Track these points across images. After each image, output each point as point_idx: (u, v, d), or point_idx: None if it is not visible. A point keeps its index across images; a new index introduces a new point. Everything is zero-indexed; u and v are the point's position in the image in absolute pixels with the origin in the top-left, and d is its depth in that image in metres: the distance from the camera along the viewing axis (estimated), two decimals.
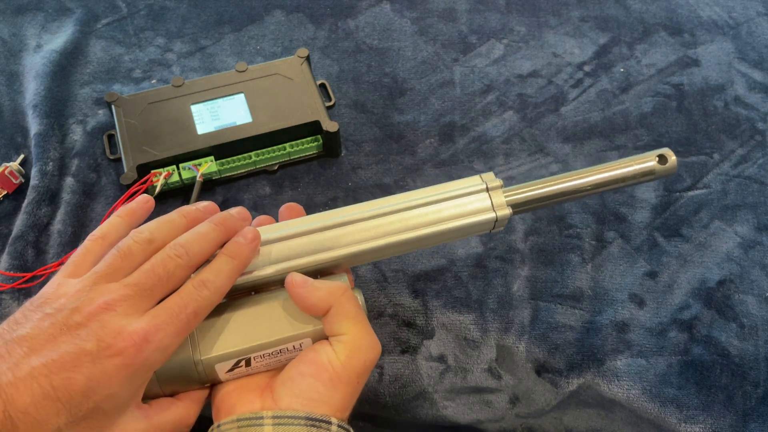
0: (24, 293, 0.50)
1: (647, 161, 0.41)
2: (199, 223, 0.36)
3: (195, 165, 0.55)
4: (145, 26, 0.70)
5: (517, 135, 0.60)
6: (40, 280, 0.50)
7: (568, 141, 0.60)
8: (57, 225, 0.53)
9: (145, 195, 0.39)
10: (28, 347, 0.29)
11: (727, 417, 0.46)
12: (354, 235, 0.38)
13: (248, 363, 0.36)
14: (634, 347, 0.48)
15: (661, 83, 0.65)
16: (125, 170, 0.53)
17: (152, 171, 0.54)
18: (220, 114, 0.57)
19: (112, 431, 0.31)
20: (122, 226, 0.36)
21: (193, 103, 0.57)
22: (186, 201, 0.55)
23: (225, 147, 0.55)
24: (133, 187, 0.53)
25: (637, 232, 0.54)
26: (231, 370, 0.36)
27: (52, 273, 0.51)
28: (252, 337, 0.36)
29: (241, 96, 0.58)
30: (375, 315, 0.50)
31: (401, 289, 0.51)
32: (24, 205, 0.54)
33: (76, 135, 0.59)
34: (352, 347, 0.35)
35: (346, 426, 0.34)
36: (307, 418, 0.33)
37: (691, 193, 0.57)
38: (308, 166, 0.58)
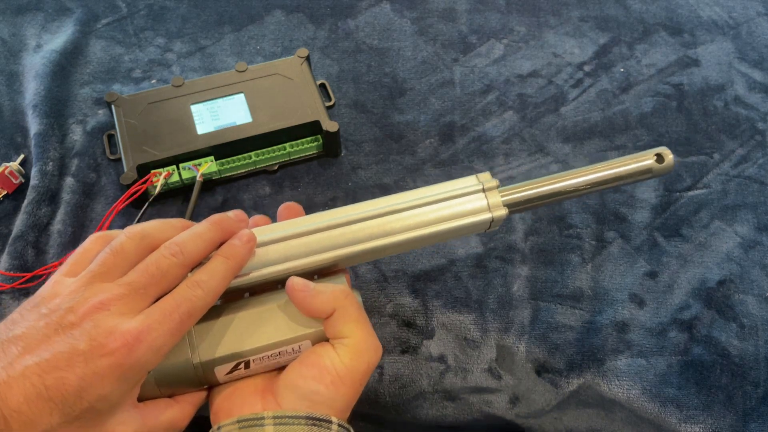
0: (24, 293, 0.50)
1: (645, 160, 0.41)
2: None
3: (195, 165, 0.55)
4: (145, 26, 0.70)
5: (517, 135, 0.60)
6: (40, 280, 0.50)
7: (568, 141, 0.60)
8: (57, 225, 0.53)
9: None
10: (22, 347, 0.29)
11: (727, 417, 0.46)
12: (351, 236, 0.38)
13: (247, 365, 0.36)
14: (634, 347, 0.48)
15: (661, 83, 0.65)
16: (125, 170, 0.53)
17: (152, 171, 0.54)
18: (220, 114, 0.57)
19: (106, 430, 0.31)
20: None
21: (193, 103, 0.57)
22: (186, 201, 0.55)
23: (225, 147, 0.55)
24: (133, 187, 0.53)
25: (637, 232, 0.54)
26: (230, 372, 0.36)
27: (52, 273, 0.51)
28: (251, 339, 0.36)
29: (241, 96, 0.58)
30: (375, 315, 0.50)
31: (401, 289, 0.51)
32: (24, 205, 0.54)
33: (76, 135, 0.59)
34: (355, 350, 0.35)
35: (347, 426, 0.34)
36: (308, 418, 0.33)
37: (691, 193, 0.57)
38: (308, 166, 0.58)
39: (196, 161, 0.55)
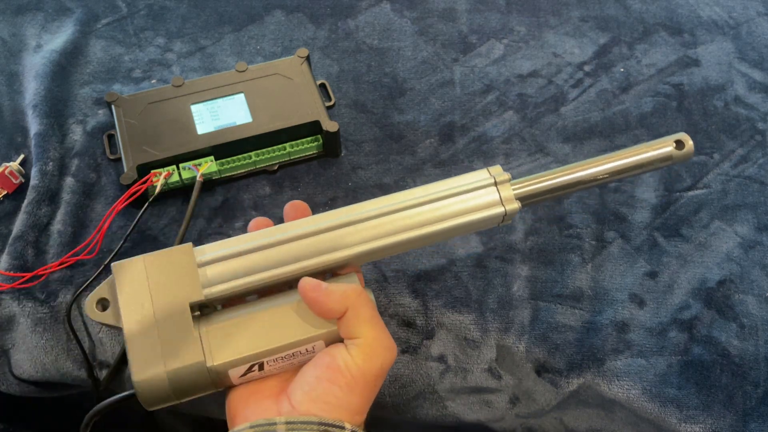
0: (24, 293, 0.50)
1: (664, 147, 0.40)
2: None
3: (195, 165, 0.55)
4: (145, 26, 0.70)
5: (517, 135, 0.60)
6: (40, 280, 0.50)
7: (568, 141, 0.60)
8: (57, 225, 0.53)
9: None
10: None
11: (727, 417, 0.46)
12: (363, 234, 0.38)
13: (261, 367, 0.36)
14: (634, 347, 0.48)
15: (661, 83, 0.65)
16: (125, 170, 0.53)
17: (152, 171, 0.54)
18: (220, 114, 0.57)
19: None
20: None
21: (193, 103, 0.57)
22: (186, 201, 0.55)
23: (225, 147, 0.55)
24: (133, 187, 0.53)
25: (637, 232, 0.54)
26: (244, 374, 0.36)
27: (52, 273, 0.51)
28: (264, 341, 0.36)
29: (241, 96, 0.58)
30: None
31: (401, 289, 0.51)
32: (24, 205, 0.54)
33: (76, 135, 0.59)
34: (368, 351, 0.34)
35: (359, 431, 0.34)
36: (320, 423, 0.33)
37: (691, 193, 0.57)
38: (308, 166, 0.58)
39: (196, 161, 0.55)
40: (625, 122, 0.62)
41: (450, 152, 0.59)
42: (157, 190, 0.53)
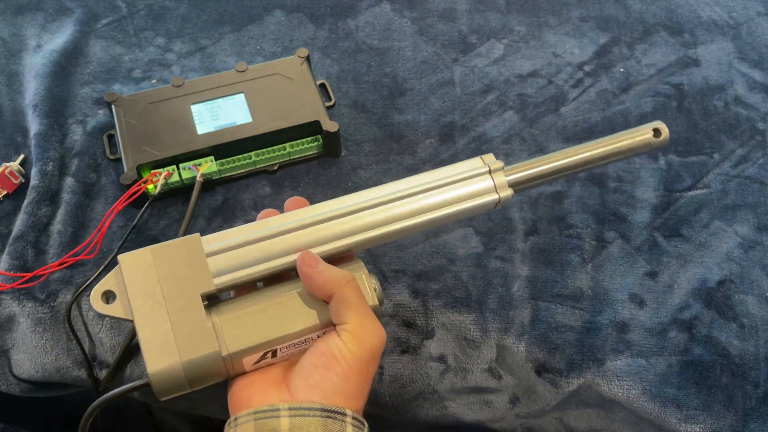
0: (24, 293, 0.50)
1: (643, 134, 0.43)
2: None
3: (195, 165, 0.55)
4: (145, 26, 0.70)
5: (517, 135, 0.60)
6: (40, 280, 0.50)
7: (568, 141, 0.60)
8: (57, 225, 0.53)
9: None
10: None
11: (727, 417, 0.46)
12: (363, 222, 0.39)
13: (274, 354, 0.37)
14: (634, 347, 0.48)
15: (661, 83, 0.65)
16: (125, 170, 0.53)
17: (152, 171, 0.54)
18: (220, 114, 0.57)
19: None
20: None
21: (193, 103, 0.57)
22: (186, 201, 0.55)
23: (225, 147, 0.55)
24: (133, 187, 0.53)
25: (637, 232, 0.54)
26: (258, 362, 0.36)
27: (52, 273, 0.51)
28: (277, 329, 0.36)
29: (241, 96, 0.58)
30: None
31: (401, 289, 0.51)
32: (24, 205, 0.54)
33: (76, 135, 0.59)
34: (356, 336, 0.35)
35: (361, 418, 0.35)
36: (323, 410, 0.33)
37: (691, 193, 0.57)
38: (308, 166, 0.58)
39: (196, 161, 0.55)
40: (625, 122, 0.62)
41: (450, 152, 0.59)
42: (157, 190, 0.53)
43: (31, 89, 0.62)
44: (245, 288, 0.40)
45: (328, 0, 0.72)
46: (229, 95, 0.58)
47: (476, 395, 0.49)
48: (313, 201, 0.56)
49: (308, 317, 0.37)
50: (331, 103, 0.62)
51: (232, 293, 0.41)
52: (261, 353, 0.36)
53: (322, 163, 0.59)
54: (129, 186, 0.53)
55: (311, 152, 0.58)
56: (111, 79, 0.64)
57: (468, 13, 0.71)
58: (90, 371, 0.49)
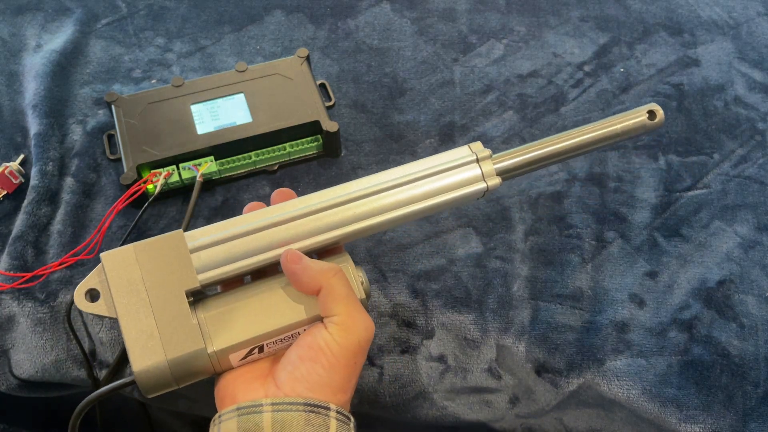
0: (24, 293, 0.50)
1: (638, 117, 0.42)
2: None
3: (195, 165, 0.55)
4: (145, 26, 0.70)
5: (517, 135, 0.60)
6: (40, 280, 0.50)
7: None
8: (57, 225, 0.53)
9: None
10: None
11: (727, 417, 0.46)
12: (350, 214, 0.39)
13: (261, 349, 0.36)
14: (634, 347, 0.48)
15: (661, 83, 0.65)
16: (125, 170, 0.53)
17: (152, 171, 0.54)
18: (220, 114, 0.57)
19: None
20: None
21: (193, 103, 0.57)
22: (186, 201, 0.55)
23: (225, 147, 0.55)
24: (133, 187, 0.53)
25: (637, 232, 0.54)
26: (244, 357, 0.36)
27: (52, 273, 0.51)
28: (263, 324, 0.36)
29: (241, 96, 0.58)
30: (375, 315, 0.50)
31: (401, 289, 0.51)
32: (24, 205, 0.54)
33: (76, 135, 0.59)
34: (343, 328, 0.35)
35: (345, 412, 0.35)
36: (306, 404, 0.33)
37: (691, 193, 0.57)
38: (308, 166, 0.58)
39: (196, 161, 0.55)
40: None
41: None
42: (157, 190, 0.53)
43: (31, 89, 0.62)
44: (232, 283, 0.39)
45: (328, 0, 0.72)
46: (229, 95, 0.58)
47: (476, 395, 0.49)
48: None
49: (295, 312, 0.36)
50: (331, 103, 0.62)
51: (219, 288, 0.40)
52: (247, 349, 0.36)
53: (322, 163, 0.59)
54: (129, 186, 0.53)
55: (311, 152, 0.58)
56: (111, 79, 0.64)
57: (468, 13, 0.71)
58: (90, 371, 0.49)
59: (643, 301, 0.50)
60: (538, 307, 0.50)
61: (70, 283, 0.50)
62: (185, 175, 0.54)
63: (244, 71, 0.60)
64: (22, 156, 0.58)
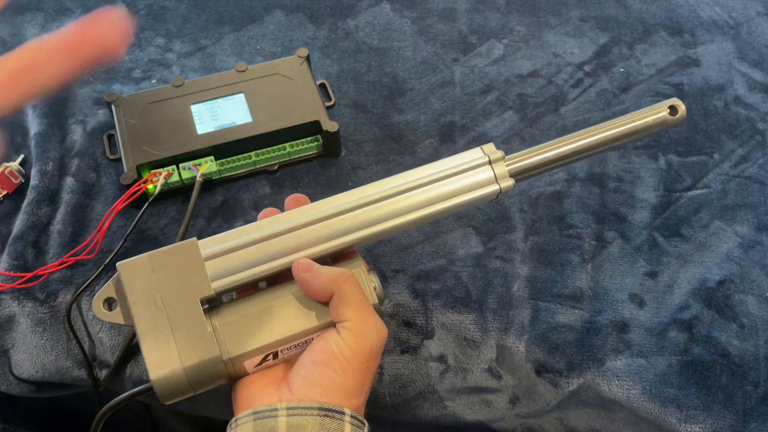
0: (24, 293, 0.50)
1: (659, 112, 0.41)
2: None
3: (195, 165, 0.55)
4: (145, 26, 0.70)
5: (517, 135, 0.60)
6: (39, 280, 0.50)
7: None
8: (57, 225, 0.53)
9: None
10: None
11: (727, 417, 0.46)
12: (363, 218, 0.39)
13: (276, 356, 0.37)
14: (634, 347, 0.48)
15: (661, 83, 0.65)
16: (125, 170, 0.53)
17: (152, 171, 0.54)
18: (220, 114, 0.57)
19: None
20: None
21: (193, 103, 0.57)
22: (186, 201, 0.55)
23: (225, 147, 0.55)
24: (133, 187, 0.53)
25: (637, 232, 0.54)
26: (259, 364, 0.37)
27: (52, 273, 0.51)
28: (277, 331, 0.36)
29: (241, 96, 0.58)
30: None
31: (401, 289, 0.51)
32: (24, 205, 0.54)
33: (76, 135, 0.59)
34: (355, 333, 0.35)
35: (360, 417, 0.35)
36: (321, 409, 0.33)
37: (691, 193, 0.57)
38: (308, 166, 0.58)
39: (196, 161, 0.55)
40: None
41: (450, 152, 0.59)
42: (157, 190, 0.53)
43: None
44: (247, 289, 0.40)
45: (328, 0, 0.72)
46: (229, 95, 0.58)
47: (476, 395, 0.49)
48: (313, 201, 0.56)
49: (309, 318, 0.37)
50: (331, 103, 0.62)
51: (234, 294, 0.41)
52: (262, 356, 0.36)
53: (322, 163, 0.59)
54: (129, 186, 0.53)
55: (311, 152, 0.58)
56: (111, 79, 0.64)
57: (468, 13, 0.71)
58: (90, 371, 0.49)
59: (643, 301, 0.50)
60: (538, 307, 0.50)
61: (70, 283, 0.50)
62: (185, 175, 0.54)
63: (244, 71, 0.60)
64: (22, 156, 0.58)
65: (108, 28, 0.24)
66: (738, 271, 0.52)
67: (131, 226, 0.52)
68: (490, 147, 0.41)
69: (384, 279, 0.51)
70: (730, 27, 0.70)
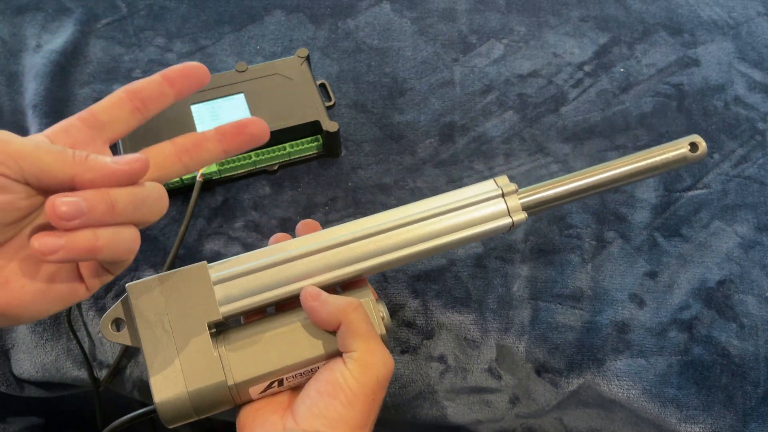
0: None
1: (679, 149, 0.41)
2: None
3: None
4: (145, 26, 0.70)
5: (517, 135, 0.60)
6: None
7: (568, 141, 0.60)
8: None
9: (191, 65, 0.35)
10: None
11: (727, 417, 0.46)
12: (374, 247, 0.39)
13: (281, 383, 0.37)
14: (634, 347, 0.48)
15: (661, 83, 0.65)
16: None
17: None
18: (220, 114, 0.57)
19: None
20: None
21: (193, 103, 0.57)
22: (186, 201, 0.55)
23: None
24: None
25: (637, 232, 0.54)
26: (264, 390, 0.37)
27: None
28: (284, 357, 0.36)
29: (241, 96, 0.58)
30: None
31: (401, 289, 0.51)
32: None
33: None
34: (362, 364, 0.35)
35: None
36: None
37: (691, 193, 0.57)
38: (308, 166, 0.58)
39: None
40: (625, 122, 0.62)
41: (450, 152, 0.59)
42: None
43: (31, 89, 0.62)
44: (255, 314, 0.40)
45: (328, 0, 0.72)
46: (229, 95, 0.58)
47: (476, 395, 0.49)
48: (313, 201, 0.56)
49: (315, 346, 0.37)
50: (331, 103, 0.62)
51: (242, 319, 0.41)
52: (267, 383, 0.36)
53: (322, 163, 0.59)
54: None
55: (311, 152, 0.58)
56: (111, 79, 0.64)
57: (468, 13, 0.71)
58: (90, 371, 0.49)
59: (643, 301, 0.50)
60: (538, 307, 0.50)
61: None
62: (185, 175, 0.54)
63: (244, 71, 0.60)
64: None
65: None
66: (738, 271, 0.52)
67: None
68: (503, 179, 0.41)
69: (384, 279, 0.51)
70: (730, 27, 0.70)
